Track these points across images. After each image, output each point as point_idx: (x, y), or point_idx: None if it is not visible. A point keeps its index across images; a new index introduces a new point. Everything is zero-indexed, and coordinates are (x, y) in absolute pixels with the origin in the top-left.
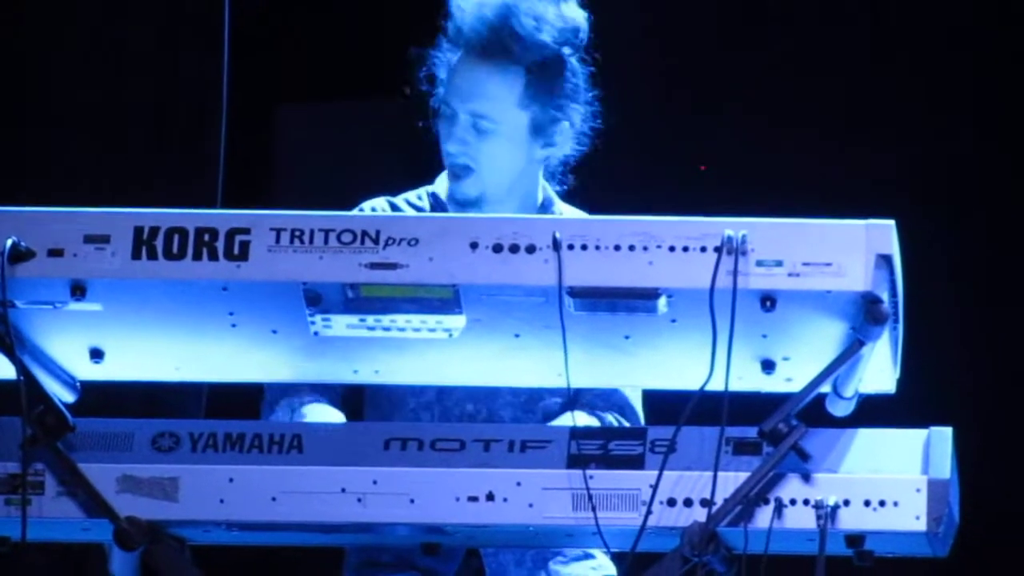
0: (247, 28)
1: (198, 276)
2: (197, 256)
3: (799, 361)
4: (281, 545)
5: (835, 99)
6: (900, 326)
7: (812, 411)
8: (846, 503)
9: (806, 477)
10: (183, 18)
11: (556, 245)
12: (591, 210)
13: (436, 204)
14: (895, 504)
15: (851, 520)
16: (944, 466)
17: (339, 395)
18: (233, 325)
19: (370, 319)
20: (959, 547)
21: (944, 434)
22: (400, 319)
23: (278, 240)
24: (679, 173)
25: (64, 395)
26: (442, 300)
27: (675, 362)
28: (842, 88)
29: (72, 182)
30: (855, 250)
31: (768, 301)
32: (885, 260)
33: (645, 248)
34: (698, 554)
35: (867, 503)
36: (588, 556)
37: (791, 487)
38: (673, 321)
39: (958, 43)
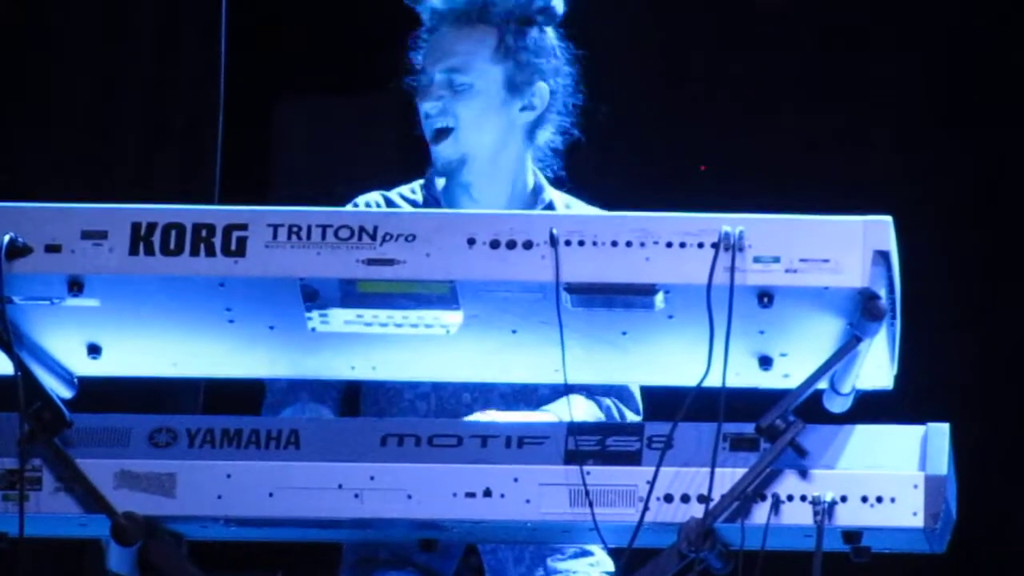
0: (245, 23)
1: (195, 272)
2: (194, 252)
3: (796, 357)
4: (278, 541)
5: (833, 98)
6: (897, 322)
7: (809, 407)
8: (843, 499)
9: (803, 473)
10: (181, 14)
11: (553, 241)
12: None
13: (429, 195)
14: (892, 500)
15: (848, 516)
16: (941, 462)
17: (340, 400)
18: (230, 321)
19: (367, 315)
20: (956, 543)
21: (941, 430)
22: (397, 315)
23: (275, 236)
24: (679, 173)
25: (61, 391)
26: (439, 296)
27: (672, 358)
28: (840, 87)
29: (69, 178)
30: (852, 246)
31: (765, 297)
32: (883, 256)
33: (642, 244)
34: (695, 550)
35: (864, 499)
36: (586, 553)
37: (788, 483)
38: (670, 317)
39: (958, 40)
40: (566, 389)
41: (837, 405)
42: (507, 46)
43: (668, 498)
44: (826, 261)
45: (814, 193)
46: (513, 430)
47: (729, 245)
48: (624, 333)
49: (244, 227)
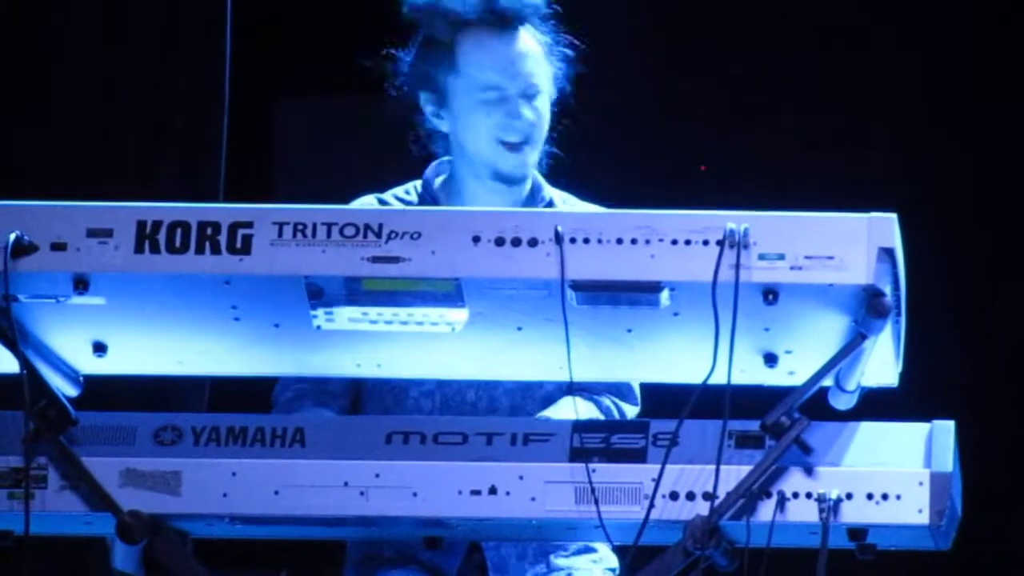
0: (249, 22)
1: (201, 270)
2: (200, 250)
3: (801, 354)
4: (283, 539)
5: (833, 98)
6: (902, 319)
7: (814, 404)
8: (848, 496)
9: (808, 470)
10: (181, 14)
11: (558, 238)
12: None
13: (427, 196)
14: (898, 497)
15: (853, 513)
16: (946, 459)
17: (347, 402)
18: (236, 319)
19: (373, 313)
20: (961, 540)
21: (946, 427)
22: (402, 313)
23: (280, 234)
24: (679, 173)
25: (67, 389)
26: (444, 293)
27: (677, 355)
28: (840, 87)
29: (74, 176)
30: (857, 243)
31: (770, 294)
32: (887, 253)
33: (647, 241)
34: (700, 548)
35: (870, 496)
36: (590, 549)
37: (793, 480)
38: (675, 314)
39: (958, 40)
40: (570, 386)
41: (842, 402)
42: (548, 42)
43: (673, 495)
44: (831, 258)
45: (814, 193)
46: (518, 427)
47: (734, 242)
48: (629, 330)
49: (249, 225)
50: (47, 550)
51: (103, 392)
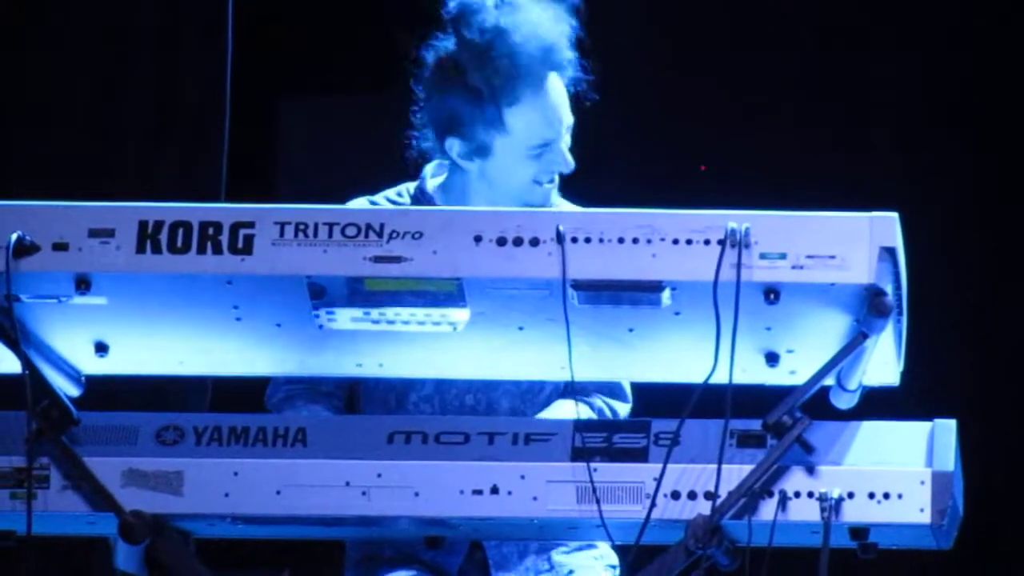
0: (250, 22)
1: (202, 270)
2: (201, 250)
3: (803, 354)
4: (286, 539)
5: (833, 98)
6: (904, 319)
7: (816, 404)
8: (850, 496)
9: (810, 470)
10: (185, 12)
11: (560, 238)
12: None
13: (421, 199)
14: (899, 496)
15: (855, 513)
16: (948, 458)
17: (340, 402)
18: (238, 319)
19: (374, 312)
20: (962, 539)
21: (948, 426)
22: (404, 312)
23: (282, 234)
24: (679, 173)
25: (69, 389)
26: (446, 293)
27: (679, 355)
28: (841, 86)
29: (74, 176)
30: (859, 243)
31: (772, 294)
32: (889, 253)
33: (649, 241)
34: (702, 547)
35: (871, 495)
36: (590, 546)
37: (795, 480)
38: (677, 314)
39: (958, 40)
40: (569, 386)
41: (844, 401)
42: (569, 74)
43: (675, 495)
44: (832, 257)
45: (814, 193)
46: (520, 427)
47: (736, 242)
48: (631, 330)
49: (251, 225)
50: (49, 550)
51: (105, 392)
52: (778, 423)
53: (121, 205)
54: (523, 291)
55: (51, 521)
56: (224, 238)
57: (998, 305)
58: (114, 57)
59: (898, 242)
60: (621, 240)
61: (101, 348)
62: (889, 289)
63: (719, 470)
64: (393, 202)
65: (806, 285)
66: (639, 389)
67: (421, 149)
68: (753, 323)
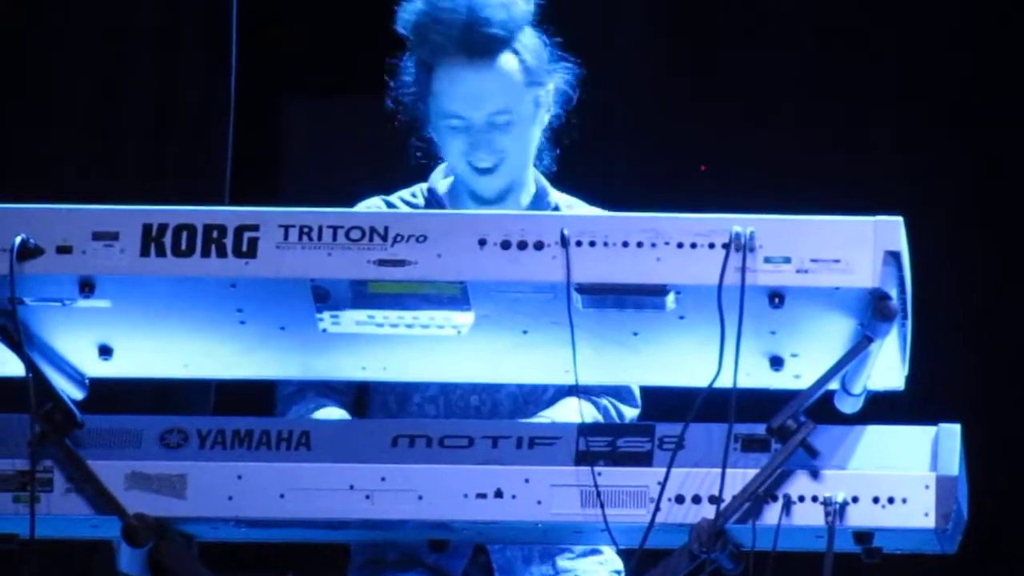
0: (253, 22)
1: (207, 273)
2: (206, 253)
3: (807, 358)
4: (289, 542)
5: (837, 100)
6: (908, 323)
7: (820, 408)
8: (855, 500)
9: (814, 474)
10: (189, 13)
11: (564, 242)
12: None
13: (432, 200)
14: (904, 501)
15: (860, 517)
16: (952, 463)
17: (350, 399)
18: (242, 322)
19: (378, 316)
20: (967, 543)
21: (952, 431)
22: (408, 316)
23: (286, 237)
24: (679, 173)
25: (73, 392)
26: (450, 297)
27: (683, 359)
28: (844, 90)
29: (74, 177)
30: (863, 246)
31: (776, 298)
32: (893, 257)
33: (653, 245)
34: (706, 551)
35: (876, 500)
36: (595, 551)
37: (800, 484)
38: (681, 318)
39: (959, 42)
40: (572, 390)
41: (848, 406)
42: (528, 66)
43: (679, 499)
44: (837, 261)
45: (814, 193)
46: (524, 431)
47: (740, 245)
48: (635, 334)
49: (255, 228)
50: (52, 553)
51: (109, 395)
52: (782, 427)
53: (125, 208)
54: (527, 295)
55: (54, 524)
56: (228, 241)
57: (1001, 308)
58: (114, 57)
59: (903, 246)
60: (625, 244)
61: (105, 351)
62: (894, 293)
63: (723, 474)
64: (408, 203)
65: (811, 289)
66: (643, 392)
67: (427, 153)
68: (757, 327)
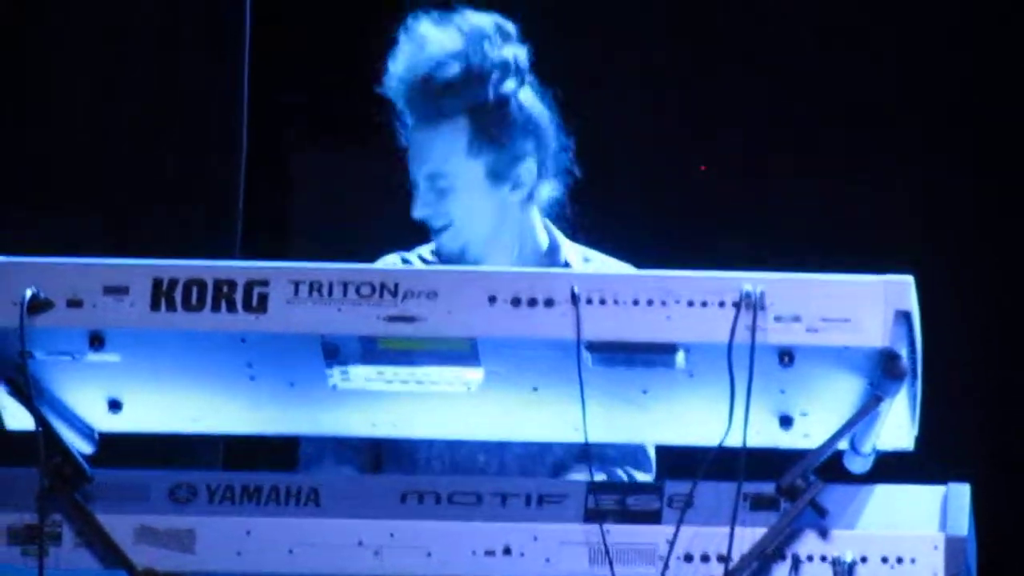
0: (267, 78)
1: (216, 327)
2: (215, 307)
3: (817, 417)
4: None
5: (840, 145)
6: (919, 382)
7: (829, 467)
8: (863, 559)
9: (823, 533)
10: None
11: (574, 299)
12: (594, 236)
13: (443, 261)
14: (912, 561)
15: None
16: (962, 523)
17: (369, 458)
18: (251, 377)
19: (388, 372)
20: None
21: (962, 491)
22: (418, 372)
23: (296, 292)
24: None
25: (82, 446)
26: (460, 353)
27: (693, 417)
28: (849, 133)
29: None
30: (873, 306)
31: (786, 356)
32: (904, 316)
33: (663, 303)
34: None
35: (884, 560)
36: None
37: (808, 543)
38: (691, 376)
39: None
40: (584, 448)
41: (857, 465)
42: (480, 139)
43: (688, 557)
44: (847, 321)
45: (818, 246)
46: (533, 488)
47: (750, 304)
48: (645, 391)
49: (265, 283)
50: None
51: (117, 448)
52: (792, 486)
53: (135, 262)
54: (537, 352)
55: None
56: (238, 296)
57: (1015, 368)
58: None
59: (913, 305)
60: (636, 302)
61: (115, 405)
62: (904, 352)
63: (732, 533)
64: (424, 259)
65: (820, 348)
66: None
67: None
68: (767, 385)
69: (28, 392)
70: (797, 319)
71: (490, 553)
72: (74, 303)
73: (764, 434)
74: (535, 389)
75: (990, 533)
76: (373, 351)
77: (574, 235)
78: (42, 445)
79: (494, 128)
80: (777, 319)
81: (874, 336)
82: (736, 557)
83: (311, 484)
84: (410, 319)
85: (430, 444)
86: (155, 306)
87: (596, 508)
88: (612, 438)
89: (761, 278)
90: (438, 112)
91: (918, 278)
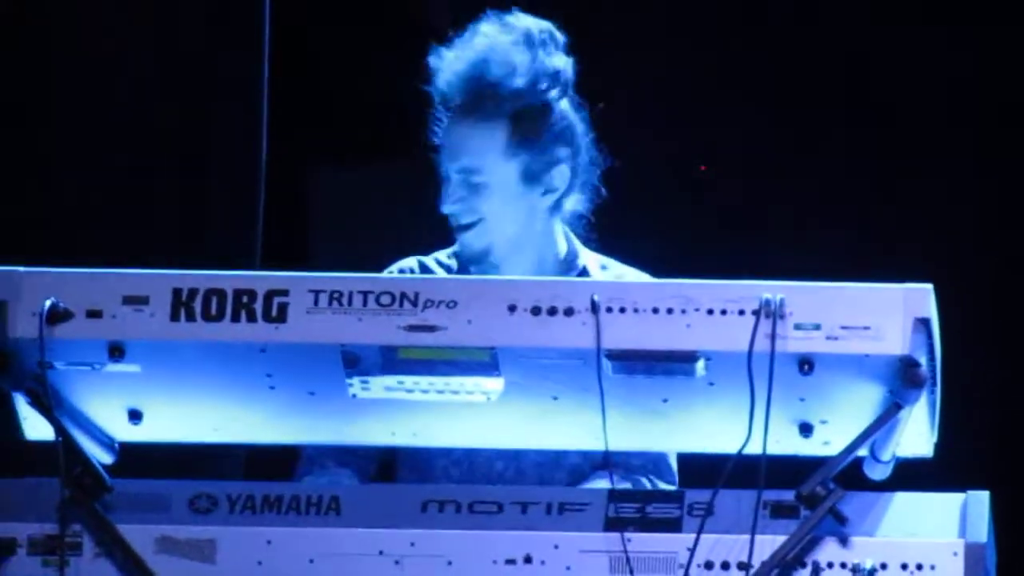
0: (286, 88)
1: (236, 338)
2: (235, 318)
3: (837, 424)
4: None
5: (860, 163)
6: (938, 389)
7: (849, 474)
8: (883, 567)
9: (843, 540)
10: (222, 79)
11: (594, 308)
12: (606, 240)
13: (461, 264)
14: (932, 568)
15: None
16: (981, 530)
17: (372, 464)
18: (271, 387)
19: (408, 381)
20: None
21: (981, 498)
22: (438, 381)
23: (316, 302)
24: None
25: (102, 456)
26: (480, 362)
27: (713, 425)
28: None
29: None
30: (893, 314)
31: (806, 364)
32: (923, 324)
33: (683, 311)
34: None
35: (904, 566)
36: None
37: (828, 550)
38: (711, 384)
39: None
40: (605, 456)
41: (877, 472)
42: (519, 140)
43: (708, 565)
44: (867, 328)
45: (839, 249)
46: (554, 496)
47: (770, 312)
48: (665, 400)
49: (285, 293)
50: None
51: (138, 458)
52: (811, 494)
53: (155, 272)
54: (557, 361)
55: None
56: (258, 306)
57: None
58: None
59: (932, 313)
60: (655, 310)
61: (135, 415)
62: (923, 360)
63: (752, 541)
64: (441, 263)
65: (840, 356)
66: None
67: None
68: (787, 394)
69: (48, 402)
70: (817, 327)
71: (511, 562)
72: (94, 313)
73: (784, 442)
74: (555, 398)
75: (1010, 540)
76: (393, 361)
77: (586, 240)
78: (62, 455)
79: (534, 132)
80: (797, 327)
81: (894, 344)
82: (756, 565)
83: (332, 493)
84: (430, 328)
85: (448, 452)
86: (175, 316)
87: (617, 516)
88: (632, 446)
89: (781, 286)
90: (485, 110)
91: (937, 285)
